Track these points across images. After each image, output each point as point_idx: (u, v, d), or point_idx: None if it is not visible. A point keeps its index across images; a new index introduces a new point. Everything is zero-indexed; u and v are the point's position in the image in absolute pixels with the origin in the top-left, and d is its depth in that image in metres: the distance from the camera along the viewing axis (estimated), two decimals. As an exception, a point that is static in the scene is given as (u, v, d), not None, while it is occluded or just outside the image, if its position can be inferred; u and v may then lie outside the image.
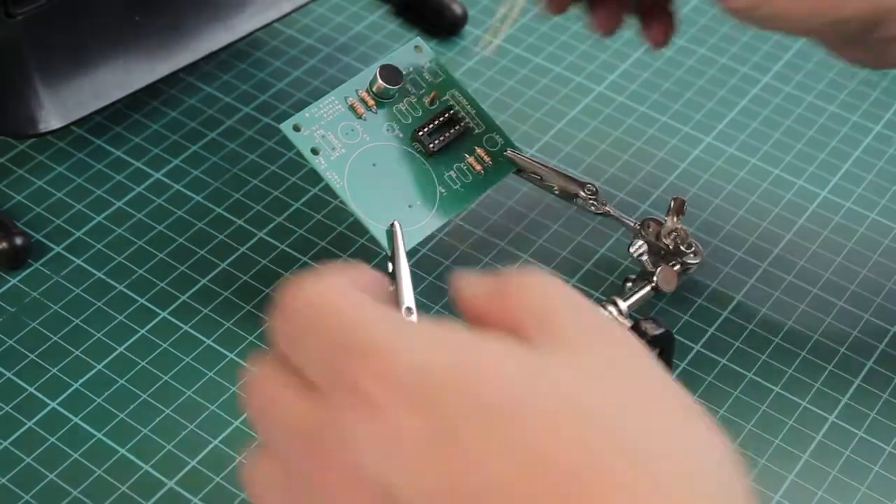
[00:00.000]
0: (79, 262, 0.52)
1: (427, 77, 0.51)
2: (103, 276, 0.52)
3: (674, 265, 0.50)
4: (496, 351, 0.29)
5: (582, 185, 0.51)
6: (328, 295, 0.30)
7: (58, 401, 0.48)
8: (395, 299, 0.46)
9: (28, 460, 0.46)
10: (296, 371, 0.30)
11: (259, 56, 0.62)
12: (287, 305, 0.31)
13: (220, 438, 0.46)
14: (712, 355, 0.50)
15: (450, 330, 0.30)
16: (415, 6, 0.65)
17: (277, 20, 0.58)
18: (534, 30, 0.65)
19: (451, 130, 0.50)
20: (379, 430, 0.28)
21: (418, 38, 0.52)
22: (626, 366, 0.30)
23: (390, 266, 0.46)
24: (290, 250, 0.53)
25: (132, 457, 0.46)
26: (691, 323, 0.51)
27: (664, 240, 0.50)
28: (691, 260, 0.50)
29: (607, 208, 0.50)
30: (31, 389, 0.48)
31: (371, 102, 0.49)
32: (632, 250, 0.50)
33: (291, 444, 0.30)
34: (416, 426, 0.28)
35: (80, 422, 0.47)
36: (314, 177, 0.56)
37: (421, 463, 0.28)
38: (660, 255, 0.50)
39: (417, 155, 0.49)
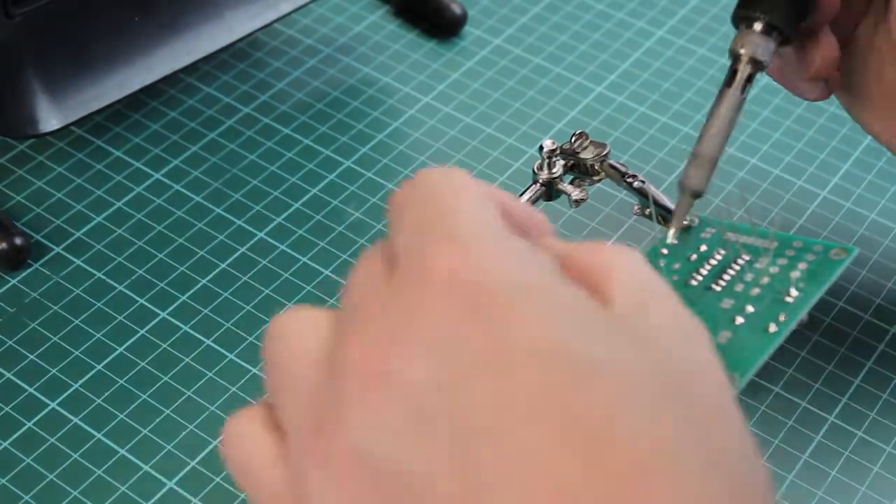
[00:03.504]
0: (79, 262, 0.52)
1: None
2: (103, 277, 0.52)
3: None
4: (567, 296, 0.28)
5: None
6: (458, 185, 0.29)
7: (58, 401, 0.48)
8: None
9: (28, 461, 0.46)
10: (389, 252, 0.30)
11: (259, 56, 0.62)
12: (421, 177, 0.30)
13: (220, 439, 0.46)
14: (712, 355, 0.50)
15: (536, 261, 0.28)
16: (415, 6, 0.65)
17: (277, 21, 0.58)
18: (534, 30, 0.65)
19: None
20: (426, 313, 0.27)
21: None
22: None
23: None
24: (290, 250, 0.53)
25: (132, 457, 0.46)
26: (691, 323, 0.51)
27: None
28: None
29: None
30: (31, 390, 0.48)
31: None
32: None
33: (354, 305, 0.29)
34: (456, 323, 0.27)
35: (79, 422, 0.47)
36: (314, 176, 0.56)
37: (446, 350, 0.27)
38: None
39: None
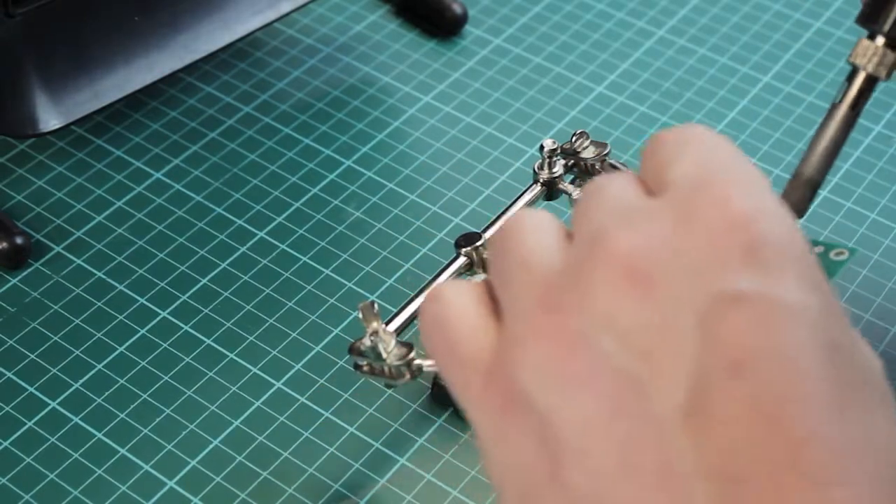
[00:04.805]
0: (79, 261, 0.52)
1: None
2: (103, 276, 0.52)
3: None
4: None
5: None
6: (731, 143, 0.30)
7: (58, 401, 0.48)
8: None
9: (28, 460, 0.46)
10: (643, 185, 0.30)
11: (259, 56, 0.62)
12: (690, 127, 0.31)
13: (220, 438, 0.46)
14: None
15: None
16: (415, 6, 0.65)
17: (277, 20, 0.58)
18: (534, 30, 0.65)
19: None
20: (703, 238, 0.27)
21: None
22: None
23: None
24: (290, 250, 0.53)
25: (132, 457, 0.46)
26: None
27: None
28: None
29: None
30: (32, 389, 0.48)
31: None
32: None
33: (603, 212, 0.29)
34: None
35: (80, 422, 0.47)
36: (314, 176, 0.56)
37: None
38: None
39: None
